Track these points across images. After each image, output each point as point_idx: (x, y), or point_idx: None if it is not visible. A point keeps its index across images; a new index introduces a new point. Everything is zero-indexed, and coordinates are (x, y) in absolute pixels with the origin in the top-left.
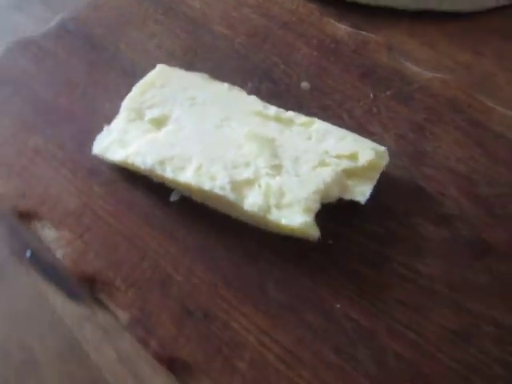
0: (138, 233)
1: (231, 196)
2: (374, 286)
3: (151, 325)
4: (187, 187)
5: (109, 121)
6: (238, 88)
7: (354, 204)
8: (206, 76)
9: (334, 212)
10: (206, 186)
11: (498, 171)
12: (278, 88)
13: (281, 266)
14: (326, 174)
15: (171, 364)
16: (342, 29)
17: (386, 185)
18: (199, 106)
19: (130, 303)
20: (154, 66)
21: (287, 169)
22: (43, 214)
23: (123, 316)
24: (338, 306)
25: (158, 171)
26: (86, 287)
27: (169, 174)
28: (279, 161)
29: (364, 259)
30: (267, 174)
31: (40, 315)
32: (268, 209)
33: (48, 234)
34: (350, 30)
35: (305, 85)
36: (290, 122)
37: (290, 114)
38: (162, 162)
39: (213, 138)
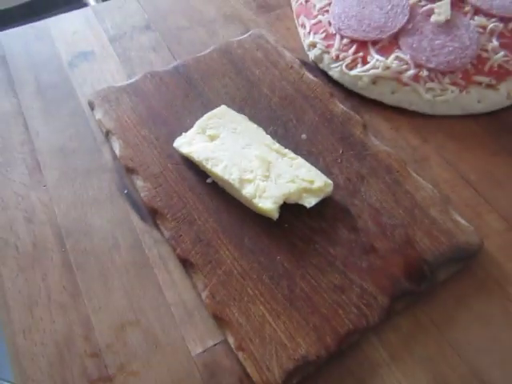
0: (184, 194)
1: (237, 185)
2: (301, 253)
3: (179, 240)
4: (216, 176)
5: (186, 130)
6: (262, 129)
7: (304, 207)
8: (245, 117)
9: (292, 209)
10: (226, 177)
11: (398, 212)
12: (287, 134)
13: (255, 230)
14: (292, 187)
15: (184, 262)
16: (339, 107)
17: (328, 202)
18: (237, 134)
19: (171, 228)
20: (219, 106)
21: (272, 179)
22: (139, 172)
23: (166, 234)
24: (279, 257)
25: (204, 163)
26: (152, 215)
27: (209, 166)
28: (269, 174)
29: (300, 238)
30: (260, 178)
31: (124, 224)
32: (255, 197)
33: (138, 183)
34: (344, 109)
35: (303, 136)
36: (284, 155)
37: (286, 150)
38: (206, 159)
39: (238, 153)
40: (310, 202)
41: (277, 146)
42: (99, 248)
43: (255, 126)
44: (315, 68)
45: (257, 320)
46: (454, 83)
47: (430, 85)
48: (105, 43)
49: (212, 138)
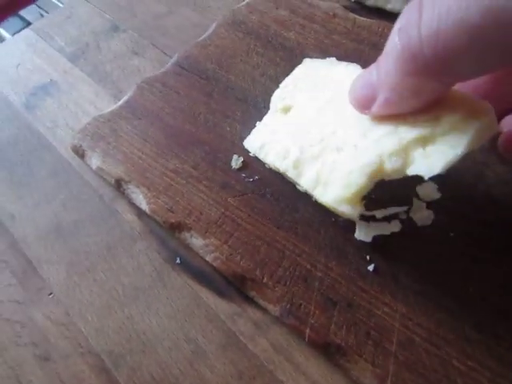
0: (273, 236)
1: (292, 173)
2: None
3: (302, 315)
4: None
5: (233, 143)
6: (357, 66)
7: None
8: (333, 60)
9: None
10: (277, 164)
11: None
12: None
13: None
14: (389, 146)
15: (326, 348)
16: None
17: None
18: (315, 93)
19: (279, 298)
20: (261, 92)
21: (354, 144)
22: (190, 225)
23: (274, 309)
24: (471, 289)
25: (258, 155)
26: (237, 285)
27: (262, 156)
28: (351, 137)
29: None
30: (332, 149)
31: (197, 312)
32: (316, 185)
33: (196, 242)
34: None
35: None
36: None
37: None
38: (261, 147)
39: (307, 123)
40: (438, 162)
41: None
42: (175, 367)
43: (344, 65)
44: (362, 9)
45: None
46: None
47: None
48: (65, 66)
49: (285, 112)
